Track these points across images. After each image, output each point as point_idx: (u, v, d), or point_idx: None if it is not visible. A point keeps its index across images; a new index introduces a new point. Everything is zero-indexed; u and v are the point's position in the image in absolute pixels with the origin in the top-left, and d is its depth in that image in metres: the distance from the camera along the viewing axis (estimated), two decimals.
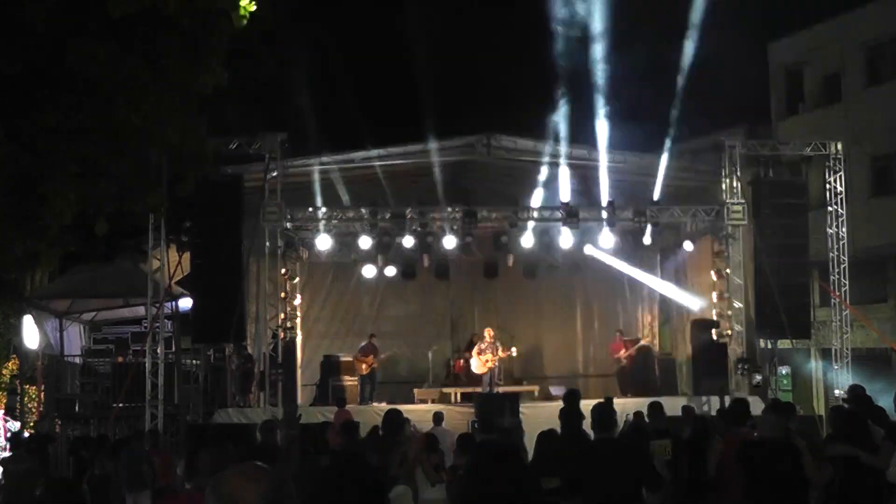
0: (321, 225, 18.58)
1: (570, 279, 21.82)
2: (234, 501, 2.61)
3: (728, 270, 18.06)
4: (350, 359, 19.47)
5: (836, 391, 17.91)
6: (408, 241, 18.89)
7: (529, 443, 10.18)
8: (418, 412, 14.97)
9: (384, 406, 15.66)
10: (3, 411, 22.44)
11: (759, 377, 17.60)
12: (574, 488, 6.47)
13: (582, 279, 21.82)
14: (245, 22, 8.60)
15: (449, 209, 18.60)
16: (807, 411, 18.48)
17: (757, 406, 13.01)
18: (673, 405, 12.44)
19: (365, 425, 10.85)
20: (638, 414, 12.18)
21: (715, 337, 18.17)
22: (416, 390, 19.29)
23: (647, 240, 18.57)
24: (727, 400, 14.69)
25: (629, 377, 19.73)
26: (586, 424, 7.64)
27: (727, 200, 17.86)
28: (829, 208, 18.53)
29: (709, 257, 18.96)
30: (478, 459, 5.23)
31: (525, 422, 15.72)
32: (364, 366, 19.23)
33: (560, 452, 7.35)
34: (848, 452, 7.26)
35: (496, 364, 18.88)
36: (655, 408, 10.12)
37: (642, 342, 20.51)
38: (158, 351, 16.38)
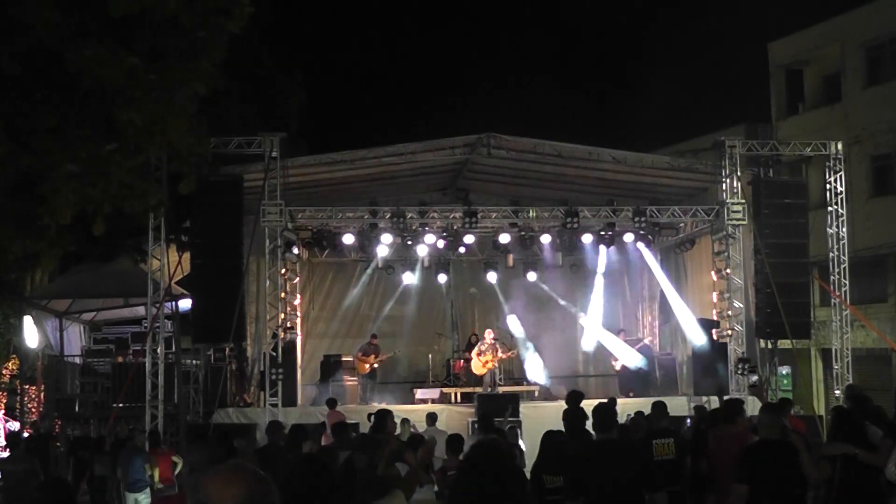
0: (321, 225, 18.57)
1: (570, 279, 21.80)
2: None
3: (728, 270, 18.04)
4: (350, 358, 19.48)
5: (836, 391, 17.91)
6: (409, 242, 18.89)
7: (529, 443, 10.19)
8: (418, 412, 14.95)
9: (385, 406, 15.65)
10: (3, 411, 22.44)
11: (755, 377, 17.53)
12: (577, 488, 6.47)
13: (582, 279, 21.80)
14: (245, 22, 8.58)
15: (449, 209, 18.60)
16: (807, 411, 18.48)
17: (753, 406, 13.02)
18: (673, 405, 12.43)
19: (365, 426, 10.87)
20: (639, 414, 12.18)
21: (715, 337, 18.17)
22: (416, 390, 19.29)
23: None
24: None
25: (629, 377, 19.72)
26: (588, 425, 7.66)
27: (727, 200, 17.85)
28: (829, 208, 18.51)
29: (709, 257, 18.96)
30: (469, 458, 5.22)
31: (525, 422, 15.75)
32: (365, 366, 19.23)
33: (564, 452, 7.37)
34: (846, 451, 7.27)
35: (496, 365, 18.87)
36: (659, 407, 10.13)
37: (644, 342, 20.49)
38: (158, 351, 16.38)
